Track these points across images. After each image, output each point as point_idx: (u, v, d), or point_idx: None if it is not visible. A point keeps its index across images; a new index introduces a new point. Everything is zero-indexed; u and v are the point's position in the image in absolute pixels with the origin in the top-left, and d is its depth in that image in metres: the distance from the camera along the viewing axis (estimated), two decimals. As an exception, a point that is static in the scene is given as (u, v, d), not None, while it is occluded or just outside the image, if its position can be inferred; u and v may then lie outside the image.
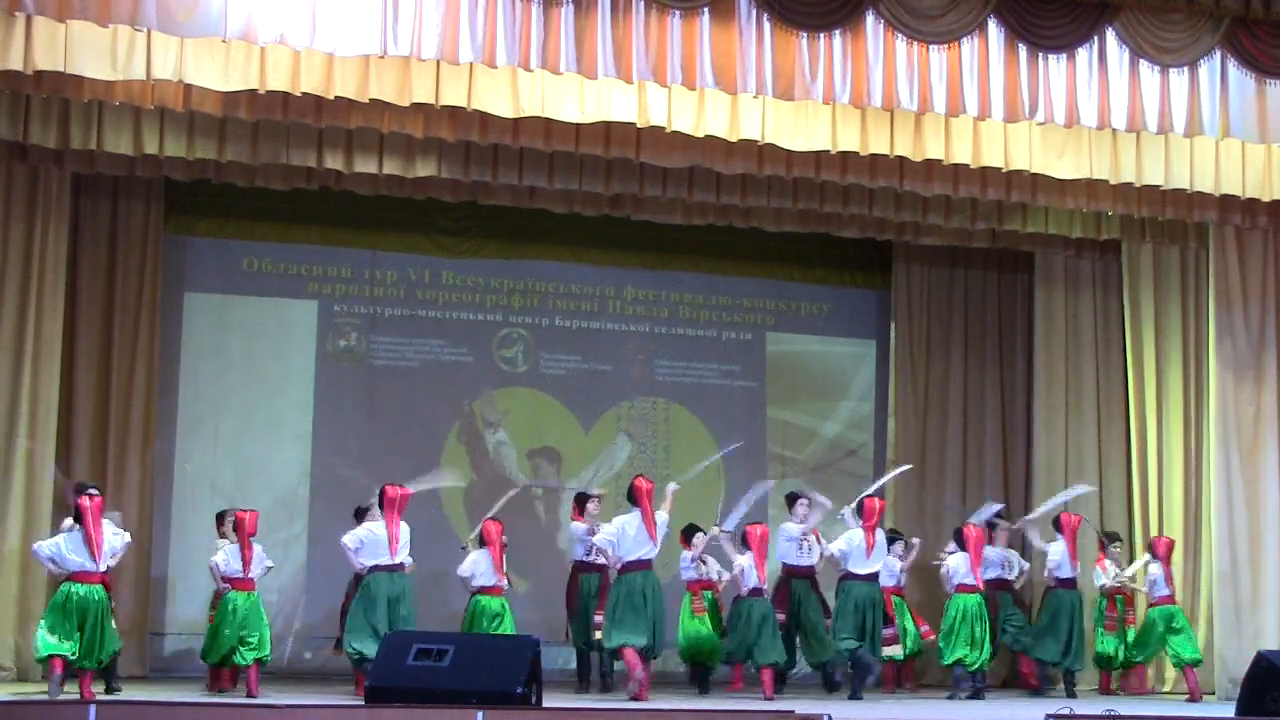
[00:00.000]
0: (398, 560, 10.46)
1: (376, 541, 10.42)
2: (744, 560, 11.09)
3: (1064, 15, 10.27)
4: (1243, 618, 12.05)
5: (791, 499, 11.80)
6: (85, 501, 9.86)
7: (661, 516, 10.82)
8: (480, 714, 7.44)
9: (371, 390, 13.24)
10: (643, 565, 10.69)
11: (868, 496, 11.68)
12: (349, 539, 10.53)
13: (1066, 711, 8.86)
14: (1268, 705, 8.47)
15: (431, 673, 8.00)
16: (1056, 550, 12.21)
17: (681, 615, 11.51)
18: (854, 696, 11.12)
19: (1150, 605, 12.16)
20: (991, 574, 12.26)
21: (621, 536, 10.66)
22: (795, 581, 11.53)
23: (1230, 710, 9.19)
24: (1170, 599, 12.08)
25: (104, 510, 10.07)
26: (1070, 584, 12.19)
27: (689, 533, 11.60)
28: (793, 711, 8.32)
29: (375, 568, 10.41)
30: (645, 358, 13.96)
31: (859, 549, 11.39)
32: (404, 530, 10.54)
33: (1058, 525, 12.27)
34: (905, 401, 13.90)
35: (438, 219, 13.33)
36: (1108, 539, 12.87)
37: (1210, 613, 12.28)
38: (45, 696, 9.45)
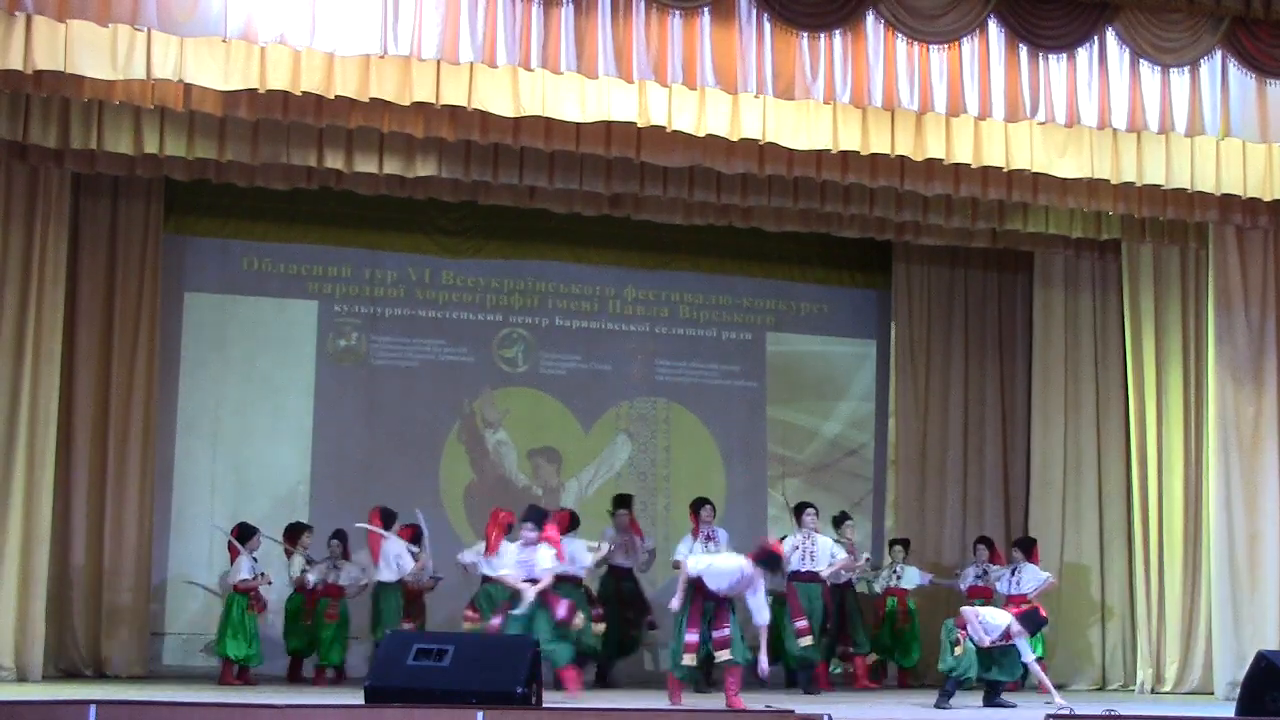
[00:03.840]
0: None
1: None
2: None
3: (1064, 15, 10.25)
4: (1242, 618, 12.03)
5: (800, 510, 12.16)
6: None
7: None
8: (480, 714, 7.44)
9: (371, 390, 13.23)
10: None
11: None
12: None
13: (1066, 711, 8.87)
14: (1268, 705, 8.49)
15: (431, 673, 8.01)
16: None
17: None
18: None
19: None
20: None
21: None
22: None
23: (1230, 710, 9.20)
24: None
25: None
26: None
27: None
28: (793, 711, 8.33)
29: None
30: (645, 358, 13.95)
31: None
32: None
33: None
34: (905, 401, 13.91)
35: (438, 219, 13.32)
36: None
37: (1210, 613, 12.28)
38: (46, 696, 9.41)
